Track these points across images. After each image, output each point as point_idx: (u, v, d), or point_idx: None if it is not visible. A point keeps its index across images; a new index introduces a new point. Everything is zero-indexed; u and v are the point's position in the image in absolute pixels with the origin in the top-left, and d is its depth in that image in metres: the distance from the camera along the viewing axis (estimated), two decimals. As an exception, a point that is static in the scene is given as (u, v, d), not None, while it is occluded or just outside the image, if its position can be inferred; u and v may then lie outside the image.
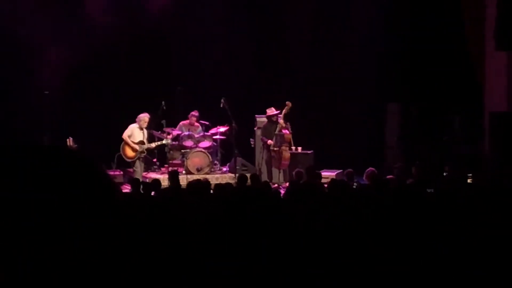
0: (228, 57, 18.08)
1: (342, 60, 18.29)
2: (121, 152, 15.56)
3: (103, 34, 17.20)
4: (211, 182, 10.47)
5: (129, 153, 15.47)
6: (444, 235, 6.51)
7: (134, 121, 15.74)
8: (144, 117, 15.48)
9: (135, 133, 15.47)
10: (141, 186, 11.14)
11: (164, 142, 16.02)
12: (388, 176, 11.96)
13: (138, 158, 15.47)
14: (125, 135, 15.48)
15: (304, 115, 16.92)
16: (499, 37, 15.24)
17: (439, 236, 6.48)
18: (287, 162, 15.78)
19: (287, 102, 15.72)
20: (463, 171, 13.29)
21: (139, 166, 15.42)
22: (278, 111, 15.85)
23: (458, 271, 5.89)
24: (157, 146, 16.01)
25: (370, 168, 11.28)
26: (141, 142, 15.38)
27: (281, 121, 15.72)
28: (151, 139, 15.95)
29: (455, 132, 16.48)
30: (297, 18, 18.48)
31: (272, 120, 15.88)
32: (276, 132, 15.69)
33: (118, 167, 16.30)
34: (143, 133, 15.52)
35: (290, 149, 15.98)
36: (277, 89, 17.79)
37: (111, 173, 16.33)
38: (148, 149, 15.70)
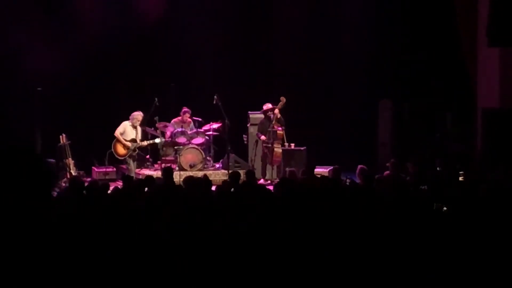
0: (221, 53, 18.05)
1: (334, 57, 18.30)
2: (112, 149, 15.52)
3: (96, 31, 17.17)
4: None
5: (120, 150, 15.46)
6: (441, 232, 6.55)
7: (127, 118, 15.69)
8: (138, 115, 15.46)
9: (127, 131, 15.46)
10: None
11: (156, 141, 16.02)
12: (385, 173, 11.98)
13: (129, 156, 15.43)
14: (117, 132, 15.45)
15: (296, 111, 16.91)
16: (492, 34, 15.25)
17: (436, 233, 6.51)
18: (278, 159, 15.82)
19: (281, 98, 15.75)
20: (455, 168, 13.30)
21: (131, 164, 15.43)
22: (273, 106, 15.86)
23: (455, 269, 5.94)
24: (149, 145, 15.98)
25: (361, 166, 11.29)
26: (132, 140, 15.37)
27: (276, 111, 15.72)
28: (144, 136, 15.92)
29: (447, 129, 16.51)
30: (289, 15, 18.47)
31: (267, 116, 15.92)
32: (269, 128, 15.75)
33: (110, 164, 16.27)
34: (136, 131, 15.49)
35: (283, 145, 16.00)
36: (269, 86, 17.80)
37: (104, 169, 16.35)
38: (140, 147, 15.67)
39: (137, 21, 17.69)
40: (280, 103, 15.76)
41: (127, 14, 17.60)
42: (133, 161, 15.59)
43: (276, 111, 15.76)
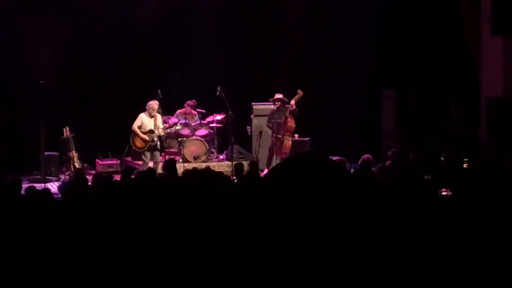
0: (225, 45, 18.01)
1: (338, 46, 18.26)
2: (131, 143, 15.35)
3: (99, 23, 17.14)
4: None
5: (139, 143, 15.25)
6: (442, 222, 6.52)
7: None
8: (153, 104, 15.25)
9: (145, 122, 15.21)
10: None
11: (177, 127, 16.02)
12: (387, 162, 11.97)
13: (148, 149, 15.22)
14: (134, 126, 15.19)
15: (300, 102, 16.84)
16: (495, 22, 15.21)
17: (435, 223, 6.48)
18: (287, 151, 15.67)
19: (298, 91, 15.61)
20: (460, 156, 13.28)
21: (148, 156, 15.25)
22: (280, 96, 15.74)
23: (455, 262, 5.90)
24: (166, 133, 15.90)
25: (365, 155, 11.26)
26: (150, 131, 15.19)
27: (292, 102, 15.57)
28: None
29: (451, 118, 16.46)
30: (292, 4, 18.43)
31: (278, 107, 15.74)
32: (281, 120, 15.61)
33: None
34: (155, 120, 15.27)
35: (293, 137, 15.93)
36: (273, 77, 17.77)
37: (108, 162, 16.36)
38: (159, 136, 15.43)
39: (141, 13, 17.65)
40: (297, 96, 15.61)
41: (130, 6, 17.56)
42: (151, 152, 15.31)
43: (292, 102, 15.60)
